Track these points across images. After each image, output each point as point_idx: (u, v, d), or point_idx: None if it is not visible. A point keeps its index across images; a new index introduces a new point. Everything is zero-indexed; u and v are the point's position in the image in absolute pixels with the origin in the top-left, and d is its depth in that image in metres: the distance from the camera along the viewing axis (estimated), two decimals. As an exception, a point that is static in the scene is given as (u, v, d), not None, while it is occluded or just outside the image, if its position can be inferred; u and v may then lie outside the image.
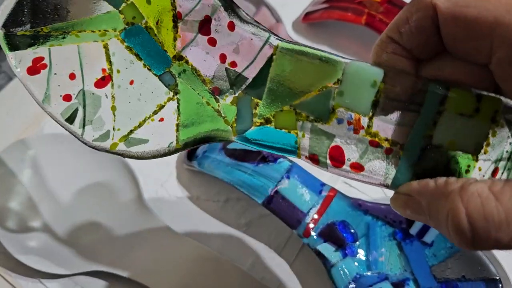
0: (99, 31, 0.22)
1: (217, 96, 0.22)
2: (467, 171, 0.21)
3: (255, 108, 0.22)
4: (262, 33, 0.22)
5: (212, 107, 0.22)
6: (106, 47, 0.22)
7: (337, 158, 0.21)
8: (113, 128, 0.23)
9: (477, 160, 0.21)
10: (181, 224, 0.36)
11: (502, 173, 0.21)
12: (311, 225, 0.34)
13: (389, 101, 0.21)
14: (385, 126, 0.21)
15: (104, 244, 0.35)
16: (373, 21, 0.42)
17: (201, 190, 0.39)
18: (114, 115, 0.23)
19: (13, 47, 0.22)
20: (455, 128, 0.20)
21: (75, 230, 0.36)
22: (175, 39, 0.23)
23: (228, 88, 0.22)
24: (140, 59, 0.23)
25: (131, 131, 0.23)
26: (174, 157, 0.40)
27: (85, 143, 0.22)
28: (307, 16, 0.45)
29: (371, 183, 0.21)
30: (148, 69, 0.23)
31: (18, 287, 0.34)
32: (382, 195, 0.38)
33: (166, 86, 0.23)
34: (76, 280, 0.34)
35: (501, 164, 0.21)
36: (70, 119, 0.22)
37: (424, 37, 0.20)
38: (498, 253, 0.33)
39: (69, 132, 0.22)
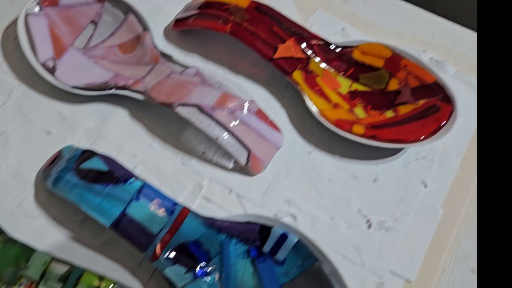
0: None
1: None
2: None
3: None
4: None
5: None
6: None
7: None
8: None
9: None
10: (37, 244, 0.35)
11: None
12: (161, 247, 0.34)
13: None
14: None
15: None
16: (238, 29, 0.41)
17: (59, 209, 0.37)
18: None
19: None
20: None
21: None
22: None
23: None
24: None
25: None
26: (33, 175, 0.39)
27: None
28: (177, 23, 0.43)
29: None
30: None
31: None
32: (242, 211, 0.38)
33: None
34: None
35: None
36: None
37: None
38: (345, 272, 0.33)
39: None
